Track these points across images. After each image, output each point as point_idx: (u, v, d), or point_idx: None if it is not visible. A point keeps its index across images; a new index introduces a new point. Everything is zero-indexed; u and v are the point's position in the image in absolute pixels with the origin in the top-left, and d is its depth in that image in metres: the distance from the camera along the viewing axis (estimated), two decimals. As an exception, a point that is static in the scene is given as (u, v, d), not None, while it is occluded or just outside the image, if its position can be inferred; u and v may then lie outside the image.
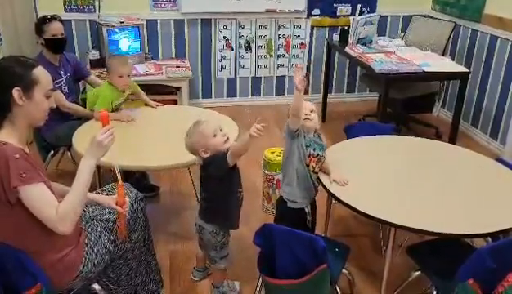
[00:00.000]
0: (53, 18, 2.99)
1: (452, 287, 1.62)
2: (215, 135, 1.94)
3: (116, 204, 1.77)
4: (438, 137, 3.92)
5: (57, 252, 1.64)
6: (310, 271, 1.59)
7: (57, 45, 2.95)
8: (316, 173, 2.08)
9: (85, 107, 2.94)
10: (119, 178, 1.75)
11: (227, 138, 1.97)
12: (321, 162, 2.07)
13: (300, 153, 2.00)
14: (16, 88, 1.53)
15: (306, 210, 2.10)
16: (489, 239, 2.04)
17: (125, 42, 4.05)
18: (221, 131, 1.97)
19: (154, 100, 3.07)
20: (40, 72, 1.60)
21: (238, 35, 4.56)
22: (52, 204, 1.52)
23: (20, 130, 1.59)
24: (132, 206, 1.94)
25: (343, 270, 2.02)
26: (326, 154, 2.10)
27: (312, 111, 2.03)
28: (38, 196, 1.51)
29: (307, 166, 2.02)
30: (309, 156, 2.02)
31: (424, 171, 2.25)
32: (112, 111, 2.80)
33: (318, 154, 2.04)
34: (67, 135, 2.57)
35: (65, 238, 1.64)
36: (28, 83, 1.55)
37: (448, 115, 4.43)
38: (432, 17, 4.52)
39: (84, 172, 1.60)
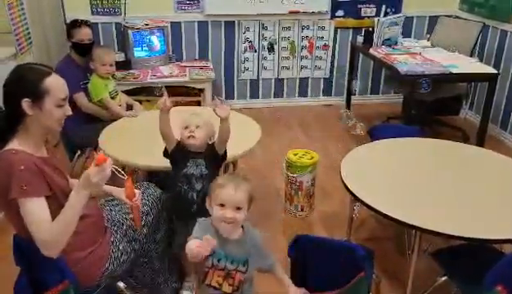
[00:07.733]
0: (83, 23, 3.07)
1: (480, 293, 1.57)
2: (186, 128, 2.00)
3: (126, 197, 1.76)
4: (465, 140, 3.83)
5: (82, 251, 1.67)
6: (345, 280, 1.55)
7: (83, 50, 3.04)
8: (233, 292, 1.51)
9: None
10: (114, 170, 1.57)
11: (191, 136, 1.99)
12: (232, 279, 1.49)
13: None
14: (25, 100, 1.50)
15: None
16: (518, 245, 1.98)
17: (150, 44, 4.11)
18: (197, 127, 1.98)
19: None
20: (53, 81, 1.54)
21: (261, 37, 4.56)
22: (43, 222, 1.47)
23: (36, 136, 1.57)
24: (157, 205, 1.97)
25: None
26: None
27: (222, 204, 1.47)
28: (31, 211, 1.46)
29: (204, 280, 1.51)
30: (211, 267, 1.48)
31: (451, 175, 2.20)
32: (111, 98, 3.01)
33: (225, 267, 1.48)
34: (91, 137, 2.62)
35: (89, 237, 1.68)
36: (38, 94, 1.51)
37: (476, 118, 4.33)
38: (459, 17, 4.43)
39: (74, 206, 1.49)
